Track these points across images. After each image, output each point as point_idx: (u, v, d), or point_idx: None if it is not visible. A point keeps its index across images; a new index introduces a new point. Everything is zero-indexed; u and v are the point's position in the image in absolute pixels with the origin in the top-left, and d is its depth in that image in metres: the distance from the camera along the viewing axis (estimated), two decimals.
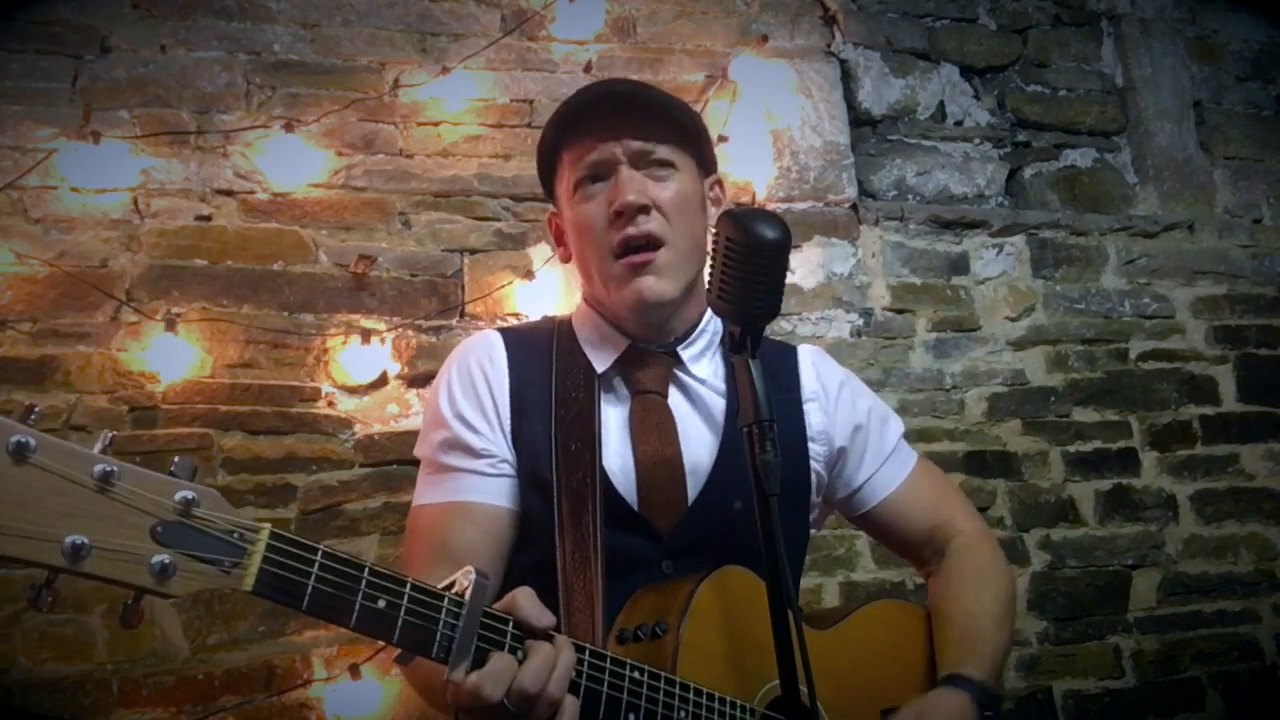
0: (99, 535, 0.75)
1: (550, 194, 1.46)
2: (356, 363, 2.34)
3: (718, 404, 1.36)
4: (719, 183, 1.47)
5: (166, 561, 0.77)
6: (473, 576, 0.94)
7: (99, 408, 2.18)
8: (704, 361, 1.39)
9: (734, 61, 2.78)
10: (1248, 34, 3.33)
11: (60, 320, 2.21)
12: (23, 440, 0.73)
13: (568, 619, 1.20)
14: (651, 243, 1.30)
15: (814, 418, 1.41)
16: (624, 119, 1.33)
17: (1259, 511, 2.85)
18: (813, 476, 1.41)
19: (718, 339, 1.41)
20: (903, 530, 1.49)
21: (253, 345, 2.30)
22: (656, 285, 1.30)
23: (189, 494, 0.80)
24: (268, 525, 0.84)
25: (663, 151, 1.34)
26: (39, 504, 0.73)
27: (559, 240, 1.46)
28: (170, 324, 2.21)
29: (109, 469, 0.76)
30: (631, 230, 1.29)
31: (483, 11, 2.67)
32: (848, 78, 2.91)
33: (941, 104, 3.01)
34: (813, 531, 1.49)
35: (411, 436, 2.32)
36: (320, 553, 0.86)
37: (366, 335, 2.34)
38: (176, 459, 0.82)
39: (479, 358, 1.36)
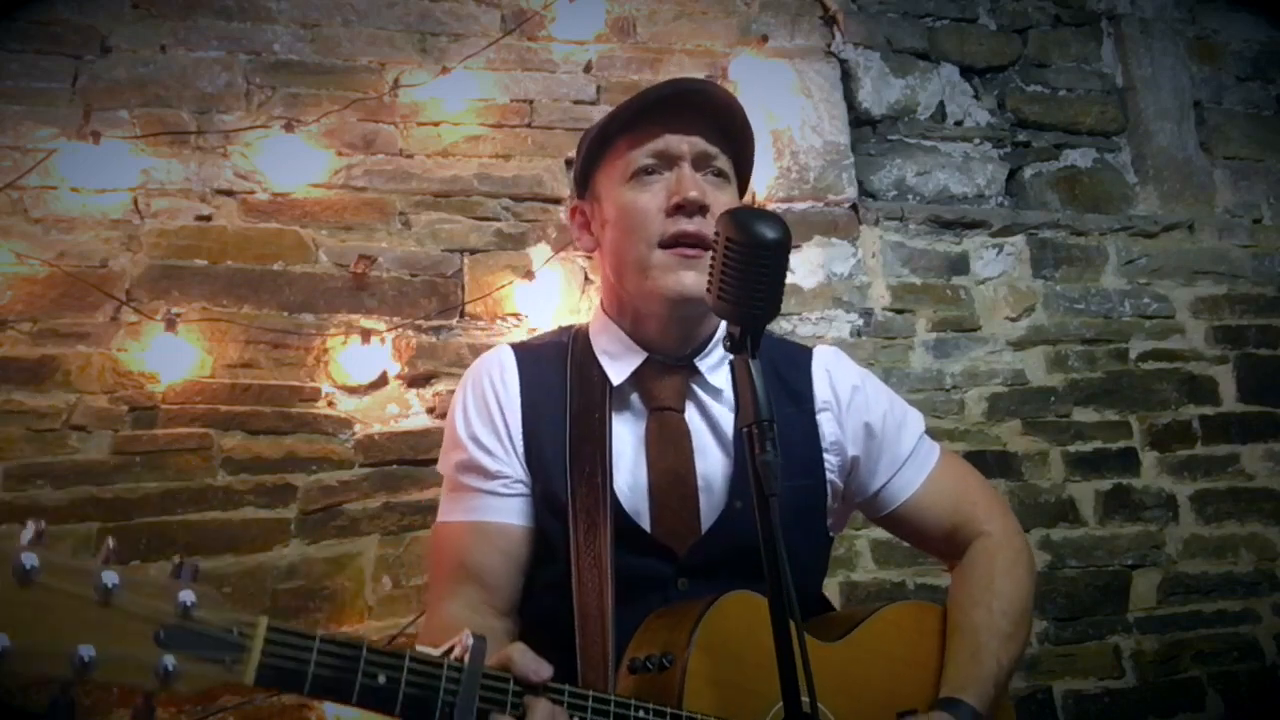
0: (105, 645, 0.79)
1: (582, 185, 1.45)
2: (356, 363, 2.34)
3: (729, 419, 1.35)
4: None
5: (171, 665, 0.81)
6: (470, 641, 0.97)
7: (99, 408, 2.18)
8: (721, 371, 1.38)
9: (734, 61, 2.78)
10: (1248, 34, 3.33)
11: (60, 320, 2.21)
12: (27, 563, 0.77)
13: (582, 639, 1.22)
14: (702, 243, 1.30)
15: (827, 428, 1.40)
16: (698, 119, 1.35)
17: (1259, 511, 2.85)
18: (829, 486, 1.40)
19: None
20: (922, 531, 1.47)
21: (253, 345, 2.30)
22: (698, 281, 1.28)
23: (189, 598, 0.84)
24: (264, 619, 0.88)
25: (722, 162, 1.37)
26: (46, 622, 0.77)
27: (584, 229, 1.45)
28: (170, 324, 2.21)
29: (110, 581, 0.80)
30: (689, 226, 1.30)
31: (483, 11, 2.67)
32: (848, 78, 2.91)
33: (941, 104, 3.01)
34: (833, 534, 1.48)
35: (411, 436, 2.33)
36: (318, 639, 0.89)
37: (366, 335, 2.34)
38: (181, 562, 0.86)
39: (491, 378, 1.38)
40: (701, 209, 1.30)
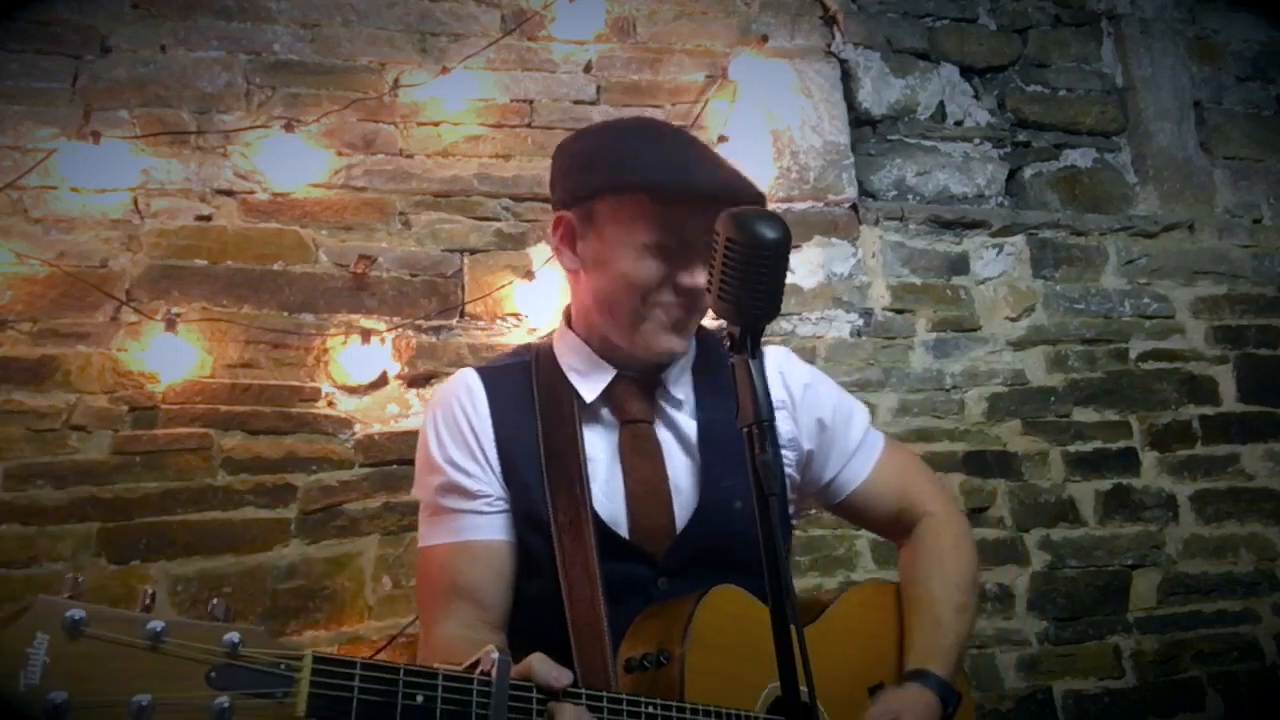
0: (160, 691, 0.80)
1: (576, 199, 1.40)
2: (356, 363, 2.34)
3: (691, 426, 1.42)
4: None
5: (225, 705, 0.82)
6: (495, 656, 1.01)
7: (99, 408, 2.18)
8: (682, 383, 1.45)
9: (734, 61, 2.78)
10: (1248, 34, 3.33)
11: (60, 320, 2.21)
12: (75, 616, 0.78)
13: (578, 648, 1.27)
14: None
15: (783, 426, 1.46)
16: (715, 208, 1.35)
17: (1259, 511, 2.85)
18: (787, 481, 1.48)
19: (690, 358, 1.47)
20: (871, 515, 1.57)
21: (253, 345, 2.30)
22: (681, 343, 1.38)
23: (234, 636, 0.85)
24: (308, 651, 0.89)
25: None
26: (100, 673, 0.78)
27: (567, 245, 1.41)
28: (170, 324, 2.21)
29: (158, 627, 0.81)
30: (693, 313, 1.37)
31: (483, 11, 2.66)
32: (848, 78, 2.91)
33: (941, 104, 3.01)
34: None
35: (411, 436, 2.32)
36: (359, 664, 0.92)
37: (366, 335, 2.34)
38: (213, 601, 0.87)
39: (460, 400, 1.40)
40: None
